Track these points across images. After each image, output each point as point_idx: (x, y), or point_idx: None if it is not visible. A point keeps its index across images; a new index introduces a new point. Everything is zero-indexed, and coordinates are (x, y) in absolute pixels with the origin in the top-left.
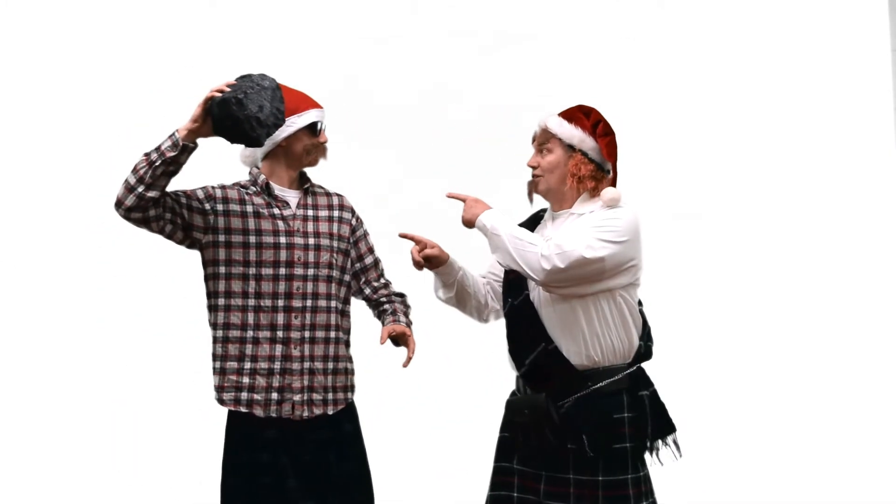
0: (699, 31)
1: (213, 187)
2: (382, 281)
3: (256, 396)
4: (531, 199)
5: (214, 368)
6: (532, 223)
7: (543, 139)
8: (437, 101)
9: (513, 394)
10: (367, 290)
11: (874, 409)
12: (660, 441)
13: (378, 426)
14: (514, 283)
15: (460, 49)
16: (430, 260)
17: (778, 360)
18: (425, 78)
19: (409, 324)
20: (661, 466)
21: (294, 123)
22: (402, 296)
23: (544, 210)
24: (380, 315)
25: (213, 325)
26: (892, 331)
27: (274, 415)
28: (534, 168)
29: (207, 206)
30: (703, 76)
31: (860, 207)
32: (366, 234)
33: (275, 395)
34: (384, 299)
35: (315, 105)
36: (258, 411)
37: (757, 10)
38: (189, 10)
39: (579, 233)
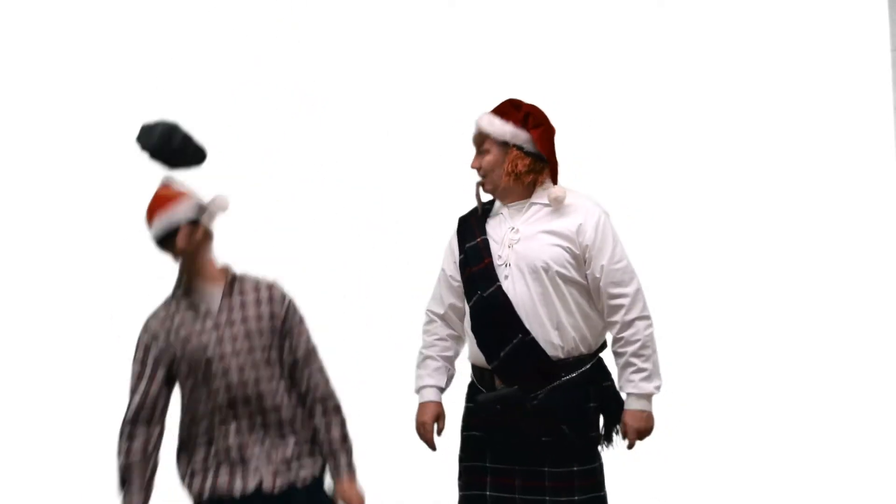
0: (698, 31)
1: (147, 332)
2: (312, 382)
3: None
4: (479, 199)
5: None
6: (477, 216)
7: (480, 140)
8: (434, 102)
9: (472, 388)
10: (300, 389)
11: (872, 410)
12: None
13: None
14: (483, 274)
15: (456, 48)
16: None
17: (776, 362)
18: (422, 78)
19: (348, 466)
20: (610, 454)
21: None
22: (335, 412)
23: (489, 204)
24: (315, 442)
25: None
26: (892, 331)
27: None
28: (477, 169)
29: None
30: (702, 75)
31: (860, 208)
32: (298, 324)
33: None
34: (319, 424)
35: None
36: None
37: (756, 9)
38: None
39: (614, 272)
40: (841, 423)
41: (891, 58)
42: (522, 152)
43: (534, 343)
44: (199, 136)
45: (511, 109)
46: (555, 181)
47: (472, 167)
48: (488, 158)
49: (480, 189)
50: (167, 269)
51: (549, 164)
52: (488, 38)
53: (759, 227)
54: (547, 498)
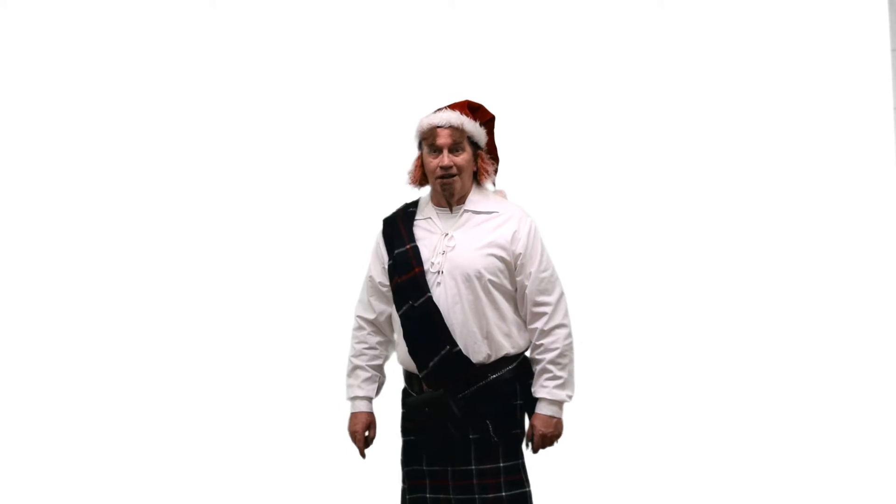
0: (698, 31)
1: None
2: None
3: None
4: (453, 198)
5: None
6: (404, 219)
7: (459, 138)
8: (435, 102)
9: (405, 392)
10: None
11: (872, 411)
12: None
13: None
14: (413, 283)
15: (452, 48)
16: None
17: (775, 363)
18: (422, 79)
19: None
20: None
21: None
22: None
23: (412, 205)
24: None
25: None
26: (891, 332)
27: None
28: (447, 168)
29: None
30: (702, 76)
31: (860, 208)
32: None
33: None
34: None
35: None
36: None
37: (756, 10)
38: (188, 12)
39: (540, 279)
40: (840, 424)
41: (891, 58)
42: (487, 155)
43: (460, 355)
44: (200, 135)
45: (473, 111)
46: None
47: (444, 165)
48: (464, 156)
49: (452, 188)
50: (167, 269)
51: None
52: (489, 38)
53: (758, 227)
54: (476, 496)
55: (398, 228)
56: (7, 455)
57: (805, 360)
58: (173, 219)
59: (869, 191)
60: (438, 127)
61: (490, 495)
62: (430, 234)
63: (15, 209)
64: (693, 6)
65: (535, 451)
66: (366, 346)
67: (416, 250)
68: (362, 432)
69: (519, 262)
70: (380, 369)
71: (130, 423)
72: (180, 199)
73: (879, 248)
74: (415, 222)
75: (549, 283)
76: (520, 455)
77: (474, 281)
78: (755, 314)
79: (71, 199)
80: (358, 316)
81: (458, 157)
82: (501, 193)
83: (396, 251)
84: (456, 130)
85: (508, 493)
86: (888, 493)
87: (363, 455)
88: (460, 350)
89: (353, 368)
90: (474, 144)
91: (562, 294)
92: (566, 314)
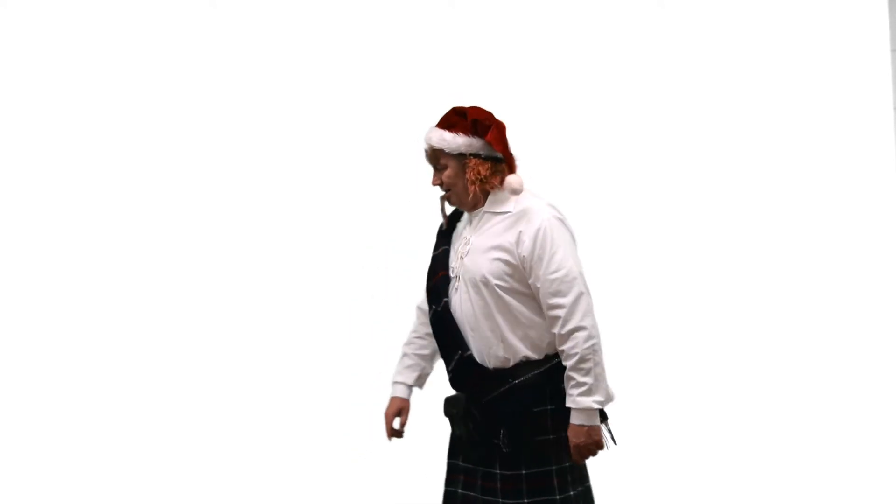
0: (698, 31)
1: None
2: None
3: None
4: (444, 214)
5: None
6: (451, 221)
7: (434, 158)
8: (436, 102)
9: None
10: None
11: (872, 412)
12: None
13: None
14: (436, 288)
15: (452, 49)
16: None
17: (774, 365)
18: (423, 79)
19: None
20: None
21: None
22: None
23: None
24: None
25: None
26: (891, 332)
27: None
28: (439, 185)
29: None
30: (702, 76)
31: (860, 208)
32: None
33: None
34: None
35: None
36: None
37: (756, 10)
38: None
39: (550, 281)
40: (841, 425)
41: (891, 58)
42: (481, 158)
43: (471, 359)
44: (200, 136)
45: (458, 119)
46: (512, 171)
47: (433, 185)
48: (448, 173)
49: (446, 203)
50: (169, 270)
51: (507, 163)
52: (489, 38)
53: (758, 228)
54: (500, 500)
55: (445, 230)
56: (8, 455)
57: (808, 359)
58: (174, 220)
59: (869, 191)
60: (428, 147)
61: (510, 501)
62: (459, 238)
63: (16, 209)
64: (693, 6)
65: (575, 461)
66: (416, 335)
67: (445, 254)
68: (391, 416)
69: (527, 266)
70: (426, 359)
71: (149, 421)
72: (180, 199)
73: (879, 248)
74: (457, 225)
75: (561, 283)
76: (551, 462)
77: (481, 286)
78: (759, 313)
79: (73, 199)
80: (417, 306)
81: (443, 174)
82: (522, 190)
83: (435, 253)
84: (431, 150)
85: (531, 500)
86: (888, 493)
87: (389, 437)
88: (472, 355)
89: (402, 355)
90: (459, 155)
91: (580, 294)
92: (586, 315)
